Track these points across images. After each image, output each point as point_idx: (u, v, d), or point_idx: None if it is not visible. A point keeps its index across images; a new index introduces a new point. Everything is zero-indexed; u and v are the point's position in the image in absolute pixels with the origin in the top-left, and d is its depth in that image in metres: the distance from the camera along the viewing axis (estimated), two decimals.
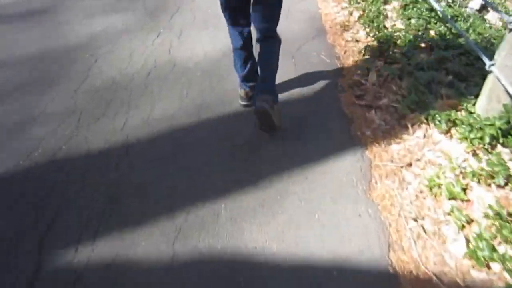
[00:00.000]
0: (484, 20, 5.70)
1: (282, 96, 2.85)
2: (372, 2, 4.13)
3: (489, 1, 3.53)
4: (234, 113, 2.68)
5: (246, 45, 2.52)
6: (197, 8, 4.33)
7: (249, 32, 2.50)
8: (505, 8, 6.59)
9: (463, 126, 2.38)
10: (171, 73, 3.15)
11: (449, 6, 4.73)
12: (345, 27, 3.81)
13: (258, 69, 2.53)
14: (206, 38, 3.66)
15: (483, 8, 6.39)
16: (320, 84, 2.99)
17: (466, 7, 5.69)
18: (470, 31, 4.04)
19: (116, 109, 2.74)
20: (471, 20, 4.42)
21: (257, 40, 2.46)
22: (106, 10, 4.39)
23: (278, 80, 2.86)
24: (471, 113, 2.56)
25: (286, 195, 2.07)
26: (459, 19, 4.20)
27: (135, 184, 2.16)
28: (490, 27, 5.06)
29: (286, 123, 2.59)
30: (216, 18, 3.98)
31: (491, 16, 6.21)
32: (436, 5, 3.86)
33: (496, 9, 3.27)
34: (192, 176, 2.20)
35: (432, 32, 3.74)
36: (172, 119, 2.64)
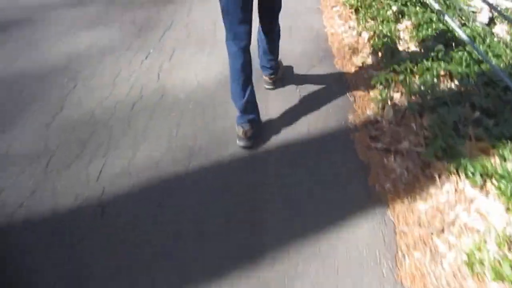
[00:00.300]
0: (493, 33, 5.38)
1: (286, 135, 2.48)
2: (383, 21, 3.76)
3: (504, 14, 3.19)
4: (230, 160, 2.29)
5: (245, 66, 2.29)
6: (192, 24, 3.94)
7: (249, 51, 2.31)
8: None
9: (502, 181, 2.01)
10: (159, 105, 2.76)
11: (464, 24, 4.38)
12: (354, 50, 3.43)
13: (261, 44, 2.69)
14: (200, 62, 3.27)
15: (491, 21, 6.09)
16: (330, 121, 2.61)
17: (475, 20, 5.36)
18: (489, 53, 3.68)
19: (92, 152, 2.35)
20: (488, 40, 4.06)
21: (259, 31, 2.59)
22: (91, 24, 3.99)
23: (281, 115, 2.58)
24: (505, 159, 2.21)
25: (295, 276, 1.67)
26: (477, 40, 3.84)
27: (107, 262, 1.75)
28: (499, 42, 4.73)
29: (290, 171, 2.21)
30: (213, 37, 3.61)
31: (499, 29, 5.90)
32: (453, 25, 3.51)
33: None
34: (178, 249, 1.80)
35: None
36: (157, 166, 2.24)
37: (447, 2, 4.95)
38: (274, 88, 2.94)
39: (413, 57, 3.15)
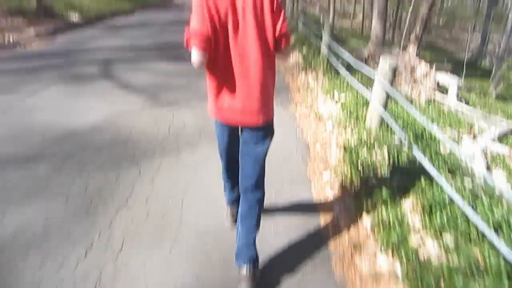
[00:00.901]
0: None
1: None
2: (387, 204, 3.10)
3: None
4: None
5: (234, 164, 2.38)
6: (154, 198, 3.22)
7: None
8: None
9: None
10: None
11: (476, 196, 3.76)
12: (356, 246, 2.70)
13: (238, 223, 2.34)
14: (157, 264, 2.46)
15: (488, 168, 5.75)
16: None
17: (474, 174, 4.89)
18: None
19: None
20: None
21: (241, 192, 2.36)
22: (32, 194, 3.21)
23: None
24: None
25: None
26: (503, 228, 3.15)
27: None
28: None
29: None
30: (178, 220, 2.92)
31: (496, 176, 5.48)
32: (469, 212, 2.82)
33: None
34: None
35: (477, 253, 2.64)
36: None
37: (448, 162, 4.50)
38: None
39: (436, 268, 2.41)
